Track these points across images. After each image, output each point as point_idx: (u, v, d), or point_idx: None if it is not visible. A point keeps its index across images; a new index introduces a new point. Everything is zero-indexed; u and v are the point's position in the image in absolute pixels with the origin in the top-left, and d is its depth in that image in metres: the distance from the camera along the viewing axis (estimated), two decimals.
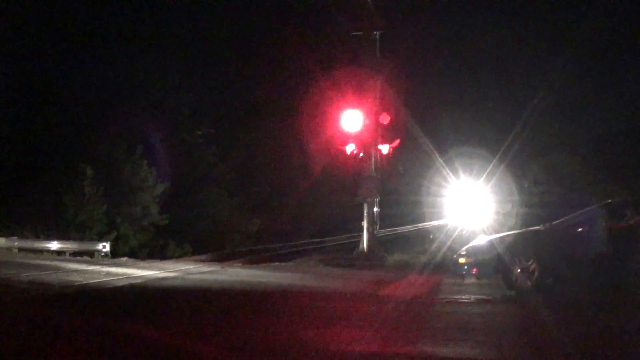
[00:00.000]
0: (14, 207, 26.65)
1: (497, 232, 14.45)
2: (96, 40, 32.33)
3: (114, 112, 30.11)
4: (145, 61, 32.76)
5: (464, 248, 11.81)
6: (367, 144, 18.87)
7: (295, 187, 34.98)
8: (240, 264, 19.43)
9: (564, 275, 10.35)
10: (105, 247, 23.43)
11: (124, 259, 20.37)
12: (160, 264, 18.07)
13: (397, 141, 19.68)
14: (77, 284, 11.48)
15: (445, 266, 14.53)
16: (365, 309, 9.04)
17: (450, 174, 23.91)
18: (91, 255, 22.31)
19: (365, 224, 18.80)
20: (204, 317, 8.34)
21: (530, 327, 7.69)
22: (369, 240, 18.72)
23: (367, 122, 18.60)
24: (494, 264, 10.74)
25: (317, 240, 30.41)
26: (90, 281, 11.91)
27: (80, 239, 25.59)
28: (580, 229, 10.52)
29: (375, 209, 19.34)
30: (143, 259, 23.04)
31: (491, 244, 11.04)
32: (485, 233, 18.12)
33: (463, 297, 10.33)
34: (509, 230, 14.38)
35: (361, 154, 18.87)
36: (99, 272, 13.71)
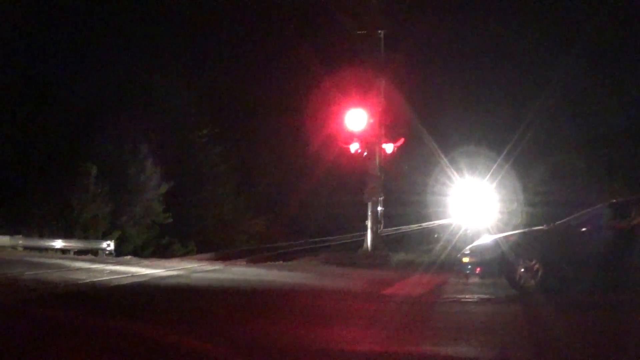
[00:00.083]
0: (18, 205, 26.75)
1: (501, 232, 14.40)
2: (101, 40, 32.40)
3: (118, 111, 30.15)
4: (149, 61, 32.76)
5: (468, 247, 11.78)
6: (371, 143, 18.84)
7: (299, 186, 34.97)
8: (244, 263, 19.43)
9: (567, 275, 10.32)
10: (109, 245, 23.46)
11: (128, 257, 20.41)
12: (164, 262, 18.11)
13: (402, 140, 19.64)
14: (81, 282, 11.52)
15: (449, 265, 14.50)
16: (369, 309, 9.03)
17: (455, 173, 23.89)
18: (95, 254, 22.35)
19: (369, 223, 18.77)
20: (207, 315, 8.35)
21: (533, 327, 7.67)
22: (372, 239, 18.68)
23: (372, 121, 18.57)
24: (498, 264, 10.71)
25: (321, 239, 30.39)
26: (94, 279, 11.94)
27: (85, 237, 25.65)
28: (584, 229, 10.49)
29: (380, 208, 19.28)
30: (147, 257, 23.09)
31: (495, 243, 11.00)
32: (489, 232, 18.07)
33: (467, 296, 10.30)
34: (513, 230, 14.34)
35: (365, 153, 18.84)
36: (102, 271, 13.74)
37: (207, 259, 21.80)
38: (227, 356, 5.95)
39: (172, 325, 7.40)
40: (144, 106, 31.60)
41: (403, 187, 28.79)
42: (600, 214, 10.61)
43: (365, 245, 18.76)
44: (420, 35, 22.36)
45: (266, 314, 8.60)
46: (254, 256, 24.51)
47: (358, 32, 19.19)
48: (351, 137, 18.53)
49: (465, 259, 11.30)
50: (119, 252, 23.94)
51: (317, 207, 36.38)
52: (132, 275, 13.05)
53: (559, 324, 7.63)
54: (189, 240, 30.39)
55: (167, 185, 30.15)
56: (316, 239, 30.09)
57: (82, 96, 30.30)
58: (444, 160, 23.64)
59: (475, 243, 11.91)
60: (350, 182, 29.56)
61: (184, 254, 28.18)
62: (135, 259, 19.32)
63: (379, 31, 19.04)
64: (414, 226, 32.29)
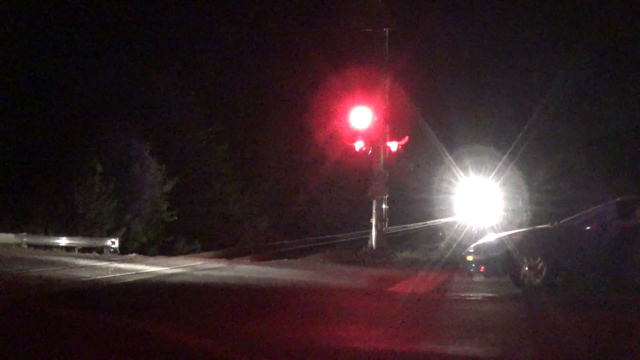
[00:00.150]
0: (23, 203, 26.82)
1: (506, 230, 14.37)
2: (109, 38, 32.36)
3: (123, 110, 30.19)
4: (154, 59, 32.74)
5: (473, 245, 11.76)
6: (375, 141, 18.85)
7: (304, 184, 34.99)
8: (249, 261, 19.47)
9: (572, 273, 10.30)
10: (114, 243, 23.49)
11: (133, 255, 20.45)
12: (169, 260, 18.16)
13: (406, 138, 19.65)
14: (85, 279, 11.56)
15: (454, 263, 14.49)
16: (373, 306, 9.04)
17: (460, 171, 23.81)
18: (100, 252, 22.40)
19: (373, 220, 18.78)
20: (212, 313, 8.36)
21: (537, 326, 7.66)
22: (377, 237, 18.70)
23: (376, 119, 18.57)
24: (503, 262, 10.68)
25: (326, 237, 30.36)
26: (99, 277, 11.98)
27: (90, 235, 25.69)
28: (589, 227, 10.44)
29: (384, 206, 19.28)
30: (152, 255, 23.14)
31: (500, 241, 10.98)
32: (494, 230, 18.04)
33: (471, 294, 10.30)
34: (518, 228, 14.31)
35: (370, 151, 18.86)
36: (107, 268, 13.78)
37: (212, 257, 21.84)
38: (232, 353, 5.95)
39: (176, 323, 7.41)
40: (149, 104, 31.64)
41: (408, 185, 28.70)
42: (605, 212, 10.56)
43: (369, 243, 18.79)
44: (425, 33, 22.34)
45: (270, 311, 8.61)
46: (259, 254, 24.56)
47: (363, 30, 19.20)
48: (356, 135, 18.56)
49: (470, 257, 11.28)
50: (123, 250, 23.98)
51: (322, 205, 36.34)
52: (137, 273, 13.08)
53: (563, 323, 7.61)
54: (194, 238, 30.42)
55: (172, 183, 30.18)
56: (321, 237, 30.08)
57: (87, 95, 30.31)
58: (449, 159, 23.55)
59: (480, 241, 11.89)
60: (355, 180, 29.57)
61: (189, 251, 28.21)
62: (140, 257, 19.36)
63: (384, 29, 19.04)
64: (419, 224, 32.21)
